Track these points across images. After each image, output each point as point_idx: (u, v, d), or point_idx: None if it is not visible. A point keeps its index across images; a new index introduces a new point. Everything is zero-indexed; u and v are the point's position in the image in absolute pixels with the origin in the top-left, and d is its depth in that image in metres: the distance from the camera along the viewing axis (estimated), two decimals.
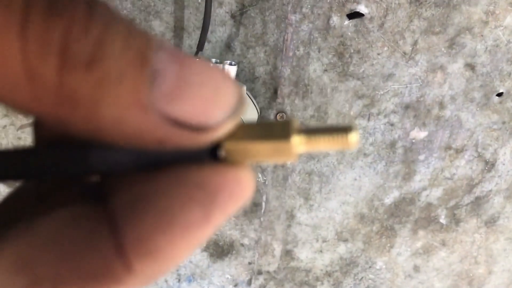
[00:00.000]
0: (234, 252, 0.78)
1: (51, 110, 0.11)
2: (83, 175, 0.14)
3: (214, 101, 0.12)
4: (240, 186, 0.13)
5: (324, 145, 0.14)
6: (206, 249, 0.78)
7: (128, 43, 0.11)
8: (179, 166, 0.13)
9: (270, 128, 0.14)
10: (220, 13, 0.61)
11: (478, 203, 0.77)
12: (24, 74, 0.11)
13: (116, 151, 0.13)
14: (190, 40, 0.62)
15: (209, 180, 0.13)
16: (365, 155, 0.70)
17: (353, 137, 0.14)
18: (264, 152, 0.14)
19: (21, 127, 0.68)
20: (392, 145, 0.70)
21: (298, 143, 0.14)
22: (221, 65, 0.56)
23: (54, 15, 0.11)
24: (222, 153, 0.14)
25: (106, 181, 0.14)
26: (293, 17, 0.61)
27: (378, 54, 0.63)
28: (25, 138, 0.69)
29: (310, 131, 0.14)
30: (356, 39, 0.62)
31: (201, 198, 0.12)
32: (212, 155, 0.14)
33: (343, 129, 0.14)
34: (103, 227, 0.12)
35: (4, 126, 0.68)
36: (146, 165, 0.13)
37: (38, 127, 0.15)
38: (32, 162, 0.14)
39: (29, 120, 0.67)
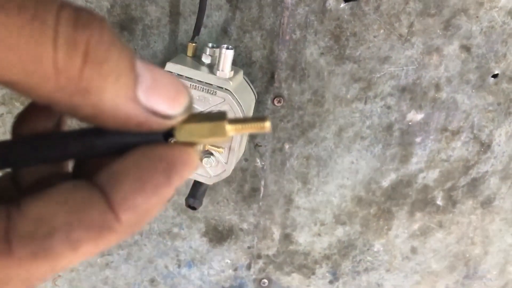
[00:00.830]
0: (233, 237, 0.79)
1: (69, 98, 0.16)
2: (89, 156, 0.20)
3: (175, 99, 0.18)
4: (190, 158, 0.19)
5: (249, 130, 0.20)
6: (205, 234, 0.78)
7: (123, 52, 0.16)
8: (144, 146, 0.18)
9: (209, 116, 0.19)
10: None
11: (474, 184, 0.78)
12: (53, 72, 0.15)
13: (106, 137, 0.19)
14: (186, 25, 0.62)
15: (169, 154, 0.18)
16: (362, 138, 0.71)
17: (268, 124, 0.20)
18: (204, 132, 0.19)
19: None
20: (389, 128, 0.70)
21: (229, 126, 0.19)
22: (218, 49, 0.56)
23: (79, 29, 0.15)
24: (177, 134, 0.19)
25: (90, 163, 0.21)
26: (289, 0, 0.61)
27: (374, 36, 0.64)
28: None
29: (237, 119, 0.20)
30: (352, 22, 0.62)
31: (163, 167, 0.18)
32: (165, 138, 0.19)
33: (261, 119, 0.20)
34: (96, 193, 0.17)
35: (1, 114, 0.68)
36: (122, 148, 0.19)
37: (17, 125, 0.22)
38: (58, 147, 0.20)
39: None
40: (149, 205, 0.18)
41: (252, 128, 0.20)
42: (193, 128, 0.19)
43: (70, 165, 0.23)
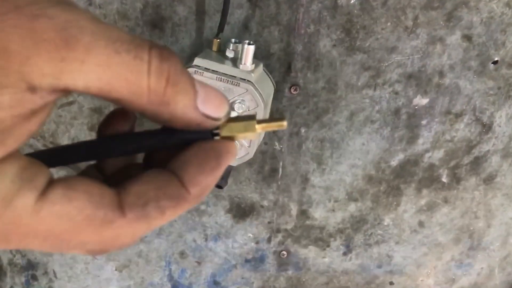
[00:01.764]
0: (255, 213, 0.86)
1: (155, 108, 0.23)
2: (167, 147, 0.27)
3: (220, 107, 0.25)
4: (232, 148, 0.26)
5: (273, 128, 0.27)
6: (229, 211, 0.86)
7: (188, 77, 0.24)
8: (200, 142, 0.26)
9: (243, 118, 0.27)
10: None
11: (477, 162, 0.84)
12: (147, 91, 0.22)
13: (174, 135, 0.26)
14: (211, 23, 0.68)
15: (217, 146, 0.26)
16: (372, 122, 0.77)
17: (285, 122, 0.27)
18: (239, 129, 0.26)
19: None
20: (397, 112, 0.77)
21: (257, 125, 0.27)
22: (241, 44, 0.62)
23: (163, 62, 0.23)
24: (221, 131, 0.26)
25: (157, 156, 0.29)
26: None
27: (382, 29, 0.69)
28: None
29: (263, 120, 0.27)
30: (362, 16, 0.68)
31: (215, 155, 0.25)
32: (212, 135, 0.26)
33: (280, 119, 0.27)
34: (172, 176, 0.25)
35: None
36: (183, 142, 0.26)
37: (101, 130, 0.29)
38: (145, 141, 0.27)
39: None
40: (208, 181, 0.25)
41: (274, 126, 0.27)
42: (232, 126, 0.26)
43: (140, 159, 0.31)
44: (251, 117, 0.27)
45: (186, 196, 0.24)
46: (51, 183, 0.22)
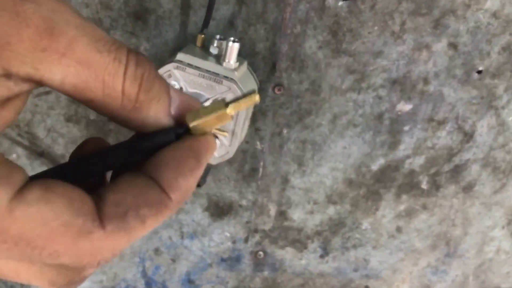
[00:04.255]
0: (233, 212, 0.85)
1: (127, 113, 0.23)
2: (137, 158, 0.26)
3: (190, 109, 0.25)
4: (209, 143, 0.25)
5: (244, 104, 0.25)
6: (207, 209, 0.85)
7: (162, 83, 0.24)
8: (175, 142, 0.25)
9: (212, 107, 0.25)
10: None
11: (457, 170, 0.84)
12: (121, 95, 0.22)
13: (149, 139, 0.25)
14: (196, 17, 0.67)
15: (194, 144, 0.25)
16: (355, 125, 0.77)
17: (257, 96, 0.25)
18: (212, 121, 0.25)
19: None
20: (380, 116, 0.76)
21: (229, 108, 0.25)
22: (225, 41, 0.61)
23: (139, 67, 0.22)
24: (193, 129, 0.25)
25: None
26: None
27: (369, 33, 0.69)
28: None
29: (233, 100, 0.25)
30: (349, 19, 0.67)
31: (193, 154, 0.24)
32: (184, 132, 0.25)
33: (251, 93, 0.25)
34: (150, 180, 0.23)
35: None
36: (160, 147, 0.25)
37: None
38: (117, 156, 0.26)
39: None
40: (189, 184, 0.24)
41: (246, 102, 0.25)
42: (204, 122, 0.25)
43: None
44: (220, 105, 0.25)
45: (167, 202, 0.23)
46: (28, 183, 0.21)
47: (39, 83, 0.20)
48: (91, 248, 0.21)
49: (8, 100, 0.20)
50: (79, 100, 0.22)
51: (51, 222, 0.20)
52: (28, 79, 0.20)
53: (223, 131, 0.65)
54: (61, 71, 0.20)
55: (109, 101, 0.22)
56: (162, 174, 0.23)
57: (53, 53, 0.19)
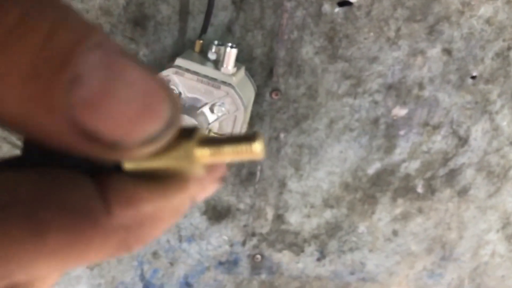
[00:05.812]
0: (230, 216, 0.86)
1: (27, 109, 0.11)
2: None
3: (139, 119, 0.12)
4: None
5: (229, 156, 0.13)
6: (205, 213, 0.85)
7: (51, 41, 0.11)
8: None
9: (173, 150, 0.13)
10: None
11: (452, 174, 0.85)
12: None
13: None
14: (194, 23, 0.68)
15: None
16: (351, 130, 0.78)
17: (258, 147, 0.13)
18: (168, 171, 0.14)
19: None
20: (376, 121, 0.77)
21: (201, 150, 0.13)
22: (223, 47, 0.62)
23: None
24: (126, 168, 0.14)
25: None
26: (288, 4, 0.67)
27: (365, 39, 0.70)
28: None
29: (214, 142, 0.13)
30: (345, 25, 0.69)
31: (121, 198, 0.13)
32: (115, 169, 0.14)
33: (248, 139, 0.13)
34: (89, 183, 0.13)
35: None
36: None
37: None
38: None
39: None
40: (150, 203, 0.13)
41: (237, 153, 0.14)
42: (149, 166, 0.14)
43: None
44: (191, 133, 0.14)
45: (99, 216, 0.13)
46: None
47: None
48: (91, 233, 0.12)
49: None
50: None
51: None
52: None
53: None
54: None
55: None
56: (114, 185, 0.13)
57: None
